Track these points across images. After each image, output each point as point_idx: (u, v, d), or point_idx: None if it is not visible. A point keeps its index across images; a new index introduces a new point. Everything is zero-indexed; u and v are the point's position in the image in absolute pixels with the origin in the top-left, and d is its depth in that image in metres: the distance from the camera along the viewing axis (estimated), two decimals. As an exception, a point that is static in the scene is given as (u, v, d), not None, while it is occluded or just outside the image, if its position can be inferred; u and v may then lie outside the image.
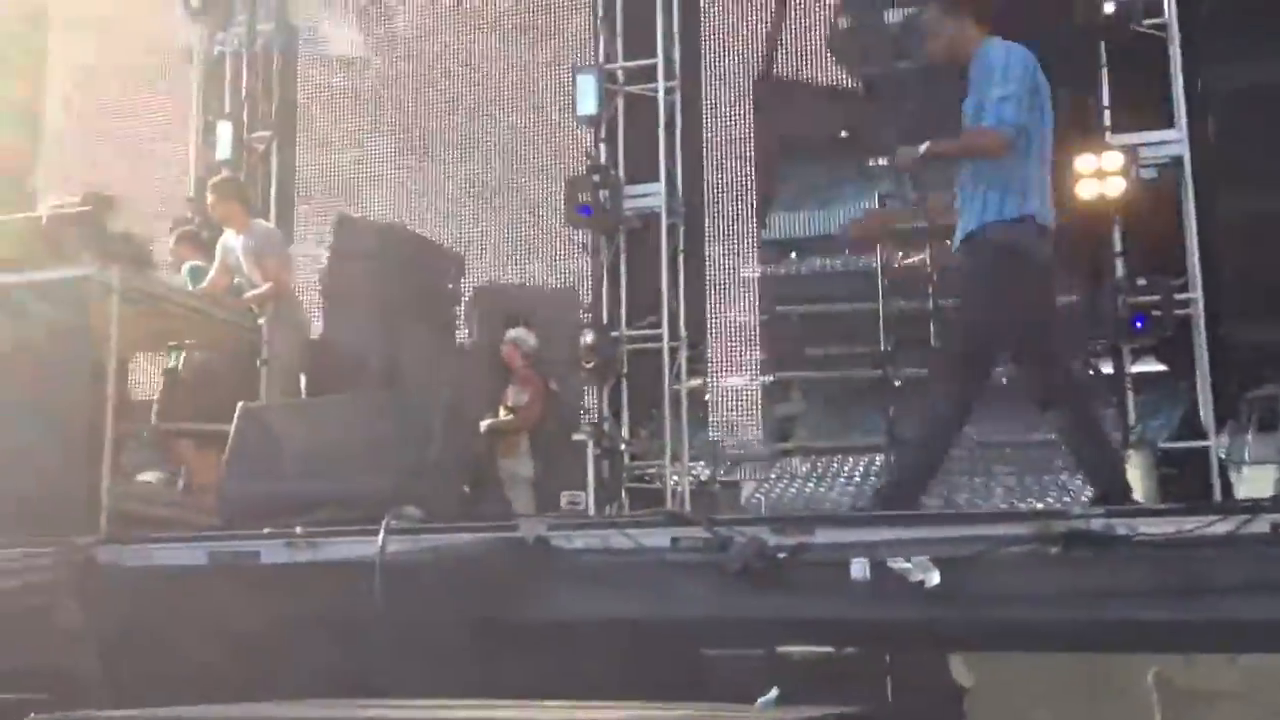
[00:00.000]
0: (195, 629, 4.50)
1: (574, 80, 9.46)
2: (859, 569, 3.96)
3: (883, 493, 5.08)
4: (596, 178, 9.35)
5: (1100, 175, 8.63)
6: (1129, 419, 8.66)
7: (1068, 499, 11.05)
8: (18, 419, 6.98)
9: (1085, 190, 8.59)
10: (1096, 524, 3.89)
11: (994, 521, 4.25)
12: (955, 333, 5.67)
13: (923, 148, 5.08)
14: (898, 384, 10.86)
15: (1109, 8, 8.77)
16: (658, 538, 4.26)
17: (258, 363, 8.30)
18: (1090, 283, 9.20)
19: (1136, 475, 7.45)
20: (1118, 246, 8.92)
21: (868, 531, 4.17)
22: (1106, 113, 8.88)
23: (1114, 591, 3.83)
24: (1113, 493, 4.72)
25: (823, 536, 4.14)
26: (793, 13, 10.55)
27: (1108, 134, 8.80)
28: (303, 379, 8.42)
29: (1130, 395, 8.76)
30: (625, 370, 9.49)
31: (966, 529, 4.09)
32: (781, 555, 4.01)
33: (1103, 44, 8.96)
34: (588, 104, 9.35)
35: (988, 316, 4.88)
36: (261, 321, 8.07)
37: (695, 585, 4.11)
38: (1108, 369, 9.05)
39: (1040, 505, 11.09)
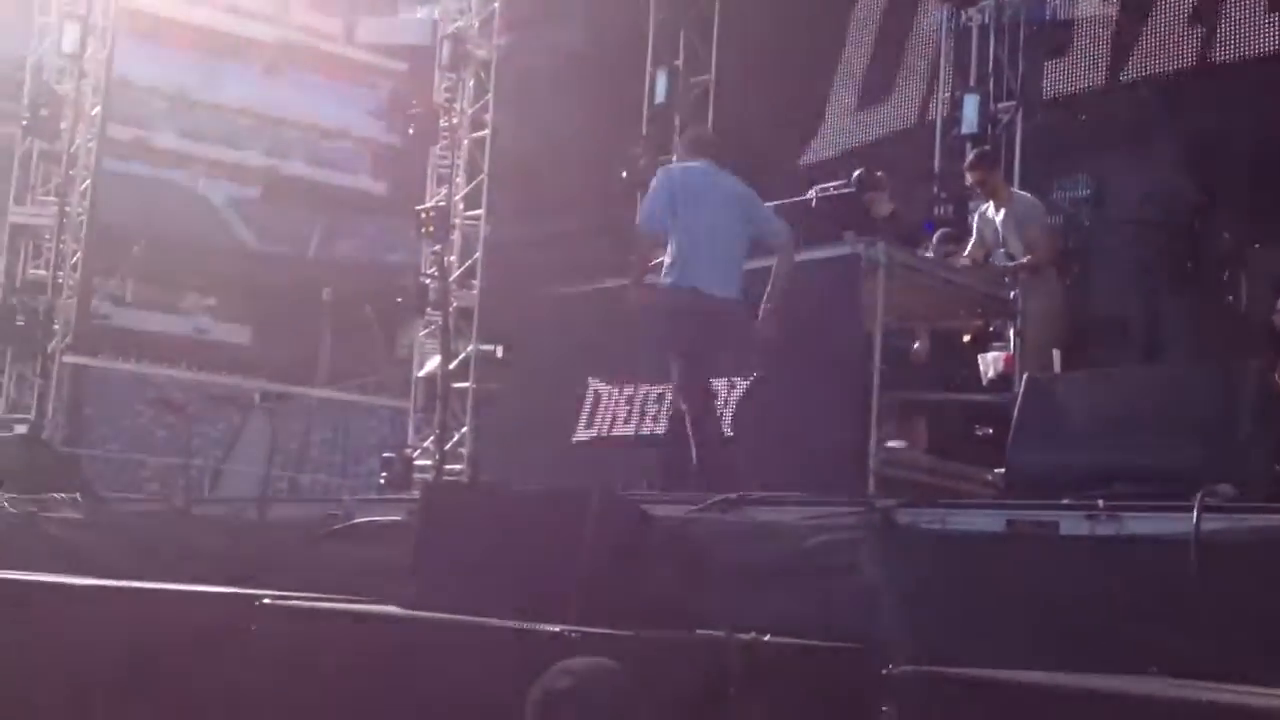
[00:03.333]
0: (989, 593, 4.57)
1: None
2: None
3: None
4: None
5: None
6: None
7: None
8: (795, 384, 7.62)
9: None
10: None
11: None
12: None
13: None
14: None
15: None
16: None
17: (1010, 334, 8.35)
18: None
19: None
20: None
21: None
22: None
23: None
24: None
25: None
26: None
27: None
28: (1056, 353, 8.33)
29: None
30: None
31: None
32: None
33: None
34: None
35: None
36: (1014, 294, 8.10)
37: None
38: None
39: None
